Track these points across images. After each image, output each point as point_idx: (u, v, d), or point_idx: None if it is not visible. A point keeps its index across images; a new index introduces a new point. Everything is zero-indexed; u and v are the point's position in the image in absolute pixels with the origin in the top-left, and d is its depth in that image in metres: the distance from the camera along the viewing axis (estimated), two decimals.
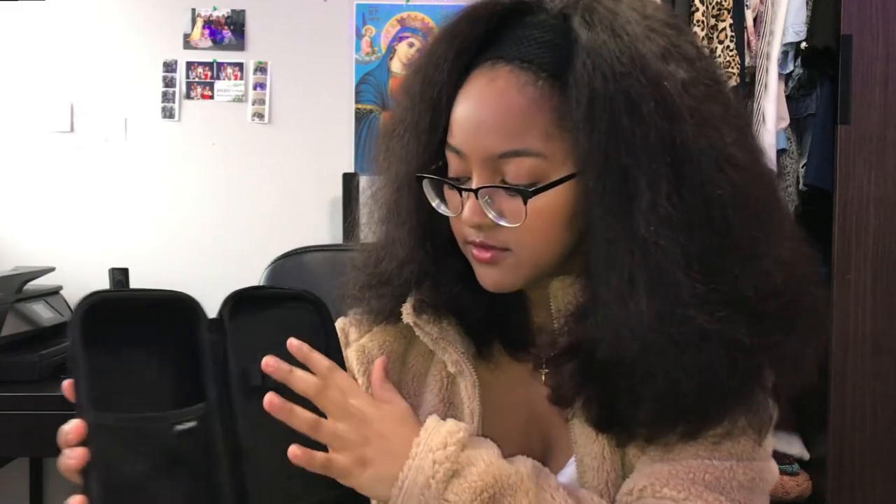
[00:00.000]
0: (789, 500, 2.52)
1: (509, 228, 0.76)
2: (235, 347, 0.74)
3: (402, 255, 0.85)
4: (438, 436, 0.74)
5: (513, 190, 0.75)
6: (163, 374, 0.71)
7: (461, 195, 0.78)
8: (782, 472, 2.51)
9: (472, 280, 0.82)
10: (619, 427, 0.77)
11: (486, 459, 0.74)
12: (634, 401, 0.75)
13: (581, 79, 0.72)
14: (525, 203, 0.74)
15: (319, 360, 0.76)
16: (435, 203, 0.81)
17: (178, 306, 0.73)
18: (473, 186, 0.76)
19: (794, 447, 2.56)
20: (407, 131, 0.81)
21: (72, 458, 0.64)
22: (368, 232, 0.91)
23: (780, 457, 2.52)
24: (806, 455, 2.57)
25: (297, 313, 0.78)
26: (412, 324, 0.86)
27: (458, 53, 0.78)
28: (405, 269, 0.85)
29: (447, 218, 0.82)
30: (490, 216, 0.76)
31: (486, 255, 0.78)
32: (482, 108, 0.75)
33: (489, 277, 0.80)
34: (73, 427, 0.65)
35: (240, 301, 0.76)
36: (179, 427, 0.69)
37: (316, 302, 0.79)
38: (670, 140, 0.71)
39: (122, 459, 0.66)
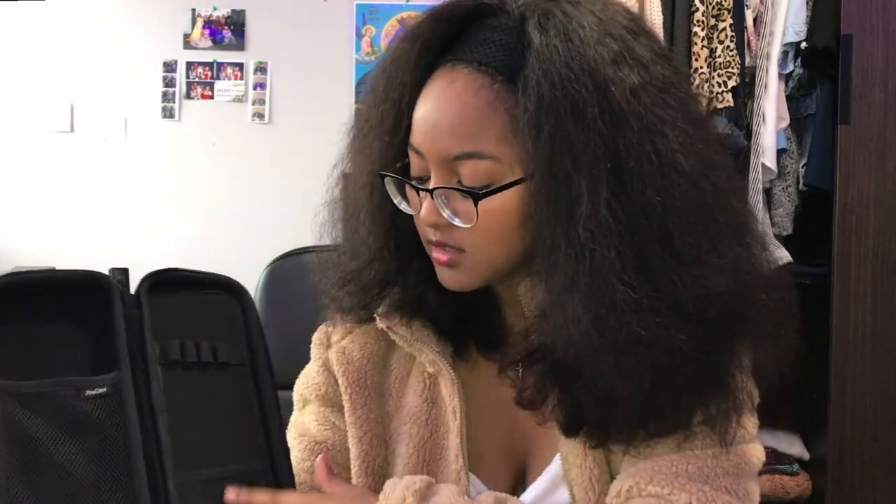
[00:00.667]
0: (789, 500, 2.52)
1: (464, 229, 0.77)
2: (153, 322, 0.75)
3: (367, 254, 0.86)
4: (396, 492, 0.76)
5: (465, 192, 0.76)
6: (74, 346, 0.73)
7: (419, 194, 0.79)
8: (782, 473, 2.51)
9: (438, 281, 0.83)
10: (585, 430, 0.78)
11: (443, 503, 0.75)
12: (587, 405, 0.76)
13: (530, 83, 0.72)
14: (476, 205, 0.75)
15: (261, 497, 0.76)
16: (397, 200, 0.82)
17: (93, 284, 0.74)
18: (430, 186, 0.77)
19: (794, 447, 2.56)
20: (372, 130, 0.82)
21: None
22: (334, 230, 0.92)
23: (780, 457, 2.52)
24: (806, 455, 2.57)
25: (217, 298, 0.80)
26: (385, 328, 0.87)
27: (420, 54, 0.78)
28: (371, 268, 0.86)
29: (412, 218, 0.82)
30: (444, 215, 0.77)
31: (444, 257, 0.79)
32: (440, 108, 0.76)
33: (449, 278, 0.81)
34: None
35: (158, 282, 0.77)
36: (89, 392, 0.70)
37: (237, 290, 0.80)
38: (613, 146, 0.71)
39: (25, 423, 0.68)
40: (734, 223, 0.78)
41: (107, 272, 0.75)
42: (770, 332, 0.78)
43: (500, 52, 0.75)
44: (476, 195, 0.75)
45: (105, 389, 0.71)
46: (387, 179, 0.81)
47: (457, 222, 0.77)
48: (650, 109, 0.72)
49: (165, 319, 0.75)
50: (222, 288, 0.80)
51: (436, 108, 0.77)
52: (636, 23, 0.77)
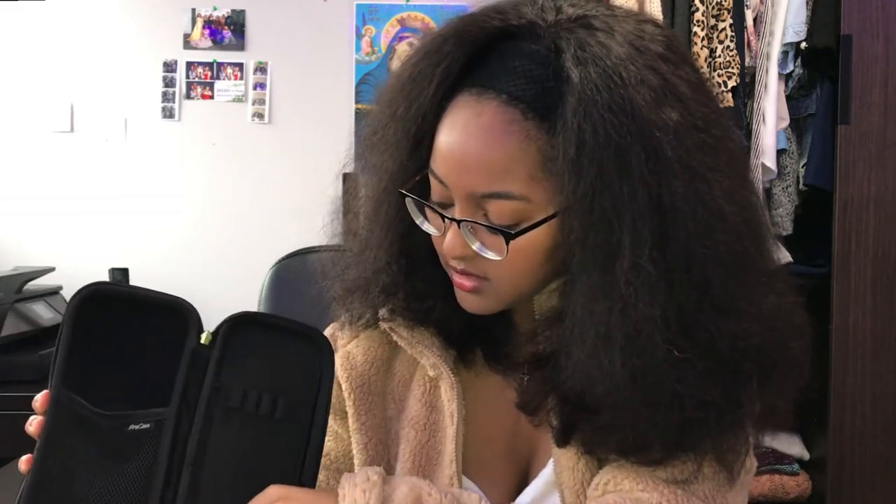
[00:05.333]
0: (789, 500, 2.52)
1: (489, 259, 0.75)
2: (225, 364, 0.74)
3: (378, 266, 0.84)
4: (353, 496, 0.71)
5: (495, 229, 0.73)
6: (139, 372, 0.74)
7: (444, 221, 0.77)
8: (782, 473, 2.52)
9: (449, 289, 0.82)
10: (579, 442, 0.78)
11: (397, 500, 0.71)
12: (598, 438, 0.75)
13: (570, 127, 0.69)
14: (507, 242, 0.73)
15: None
16: (419, 220, 0.80)
17: (177, 312, 0.75)
18: (457, 217, 0.75)
19: (794, 447, 2.56)
20: (389, 147, 0.80)
21: (31, 423, 0.71)
22: (342, 238, 0.92)
23: (780, 457, 2.53)
24: (806, 455, 2.57)
25: (298, 349, 0.76)
26: (387, 329, 0.86)
27: (444, 75, 0.75)
28: (380, 279, 0.84)
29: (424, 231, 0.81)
30: (474, 248, 0.75)
31: (468, 284, 0.78)
32: (466, 143, 0.73)
33: (470, 303, 0.80)
34: (41, 396, 0.71)
35: (242, 322, 0.75)
36: (133, 426, 0.72)
37: (321, 345, 0.77)
38: (658, 197, 0.68)
39: (71, 438, 0.70)
40: (767, 269, 0.76)
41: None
42: (791, 376, 0.77)
43: (532, 85, 0.71)
44: (508, 235, 0.72)
45: (148, 426, 0.72)
46: (407, 198, 0.79)
47: (487, 254, 0.75)
48: (693, 154, 0.70)
49: (239, 363, 0.74)
50: (310, 343, 0.77)
51: (462, 143, 0.73)
52: (671, 49, 0.74)
